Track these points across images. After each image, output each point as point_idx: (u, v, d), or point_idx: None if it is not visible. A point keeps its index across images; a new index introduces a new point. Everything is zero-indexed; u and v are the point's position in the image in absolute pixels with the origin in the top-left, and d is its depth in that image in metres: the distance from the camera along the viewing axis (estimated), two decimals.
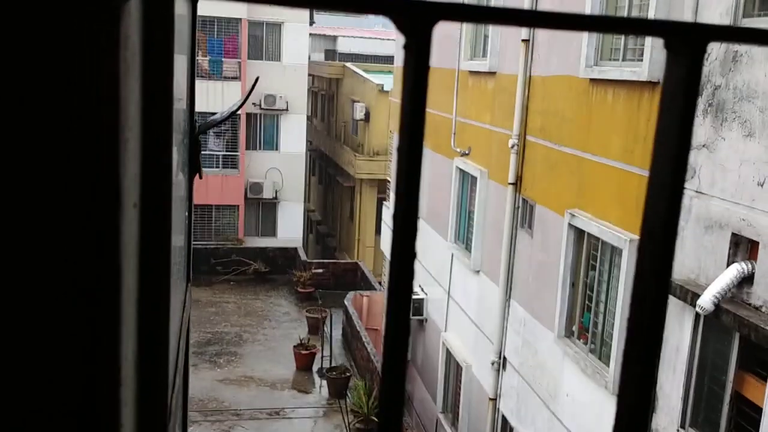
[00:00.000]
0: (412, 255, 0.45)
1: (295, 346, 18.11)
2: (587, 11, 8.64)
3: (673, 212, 0.48)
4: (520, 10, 0.45)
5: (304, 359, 17.90)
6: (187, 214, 1.74)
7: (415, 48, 0.40)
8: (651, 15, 7.44)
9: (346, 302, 19.51)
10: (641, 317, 0.49)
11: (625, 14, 8.21)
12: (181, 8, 1.35)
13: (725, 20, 6.42)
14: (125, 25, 0.51)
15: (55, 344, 0.52)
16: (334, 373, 16.87)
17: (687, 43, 0.45)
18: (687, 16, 6.87)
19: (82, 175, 0.48)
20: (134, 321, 0.68)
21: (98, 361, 0.53)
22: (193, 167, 1.73)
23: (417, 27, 0.39)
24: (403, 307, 0.44)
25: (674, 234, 0.49)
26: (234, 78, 25.63)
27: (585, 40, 8.70)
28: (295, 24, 26.66)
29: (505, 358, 11.08)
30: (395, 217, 0.43)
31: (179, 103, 1.49)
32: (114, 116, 0.47)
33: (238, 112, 25.53)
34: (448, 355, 13.43)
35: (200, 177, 1.81)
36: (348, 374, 16.97)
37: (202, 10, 24.28)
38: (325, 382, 17.08)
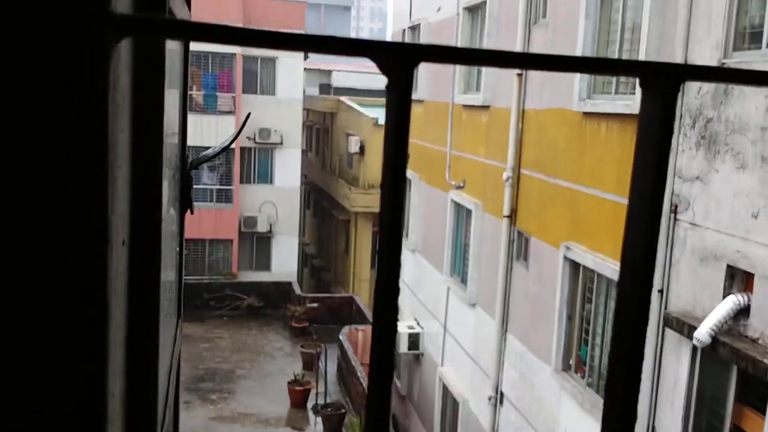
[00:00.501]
0: (396, 290, 0.43)
1: (289, 383, 17.92)
2: (579, 44, 8.75)
3: (650, 246, 0.48)
4: (498, 51, 0.45)
5: (298, 396, 17.70)
6: (178, 249, 1.72)
7: (396, 88, 0.39)
8: (642, 48, 7.53)
9: (341, 337, 19.37)
10: (623, 342, 0.49)
11: (617, 47, 8.31)
12: (173, 43, 1.35)
13: (716, 54, 6.50)
14: (115, 66, 0.50)
15: (40, 381, 0.50)
16: (329, 409, 16.67)
17: (661, 82, 0.46)
18: (678, 50, 6.96)
19: (69, 214, 0.47)
20: (122, 357, 0.66)
21: (84, 398, 0.52)
22: (185, 202, 1.71)
23: (398, 68, 0.39)
24: (388, 341, 0.42)
25: (652, 267, 0.48)
26: (228, 112, 25.77)
27: (578, 74, 8.79)
28: (290, 59, 26.90)
29: (502, 392, 10.97)
30: (379, 254, 0.42)
31: (171, 138, 1.49)
32: (102, 156, 0.46)
33: (232, 146, 25.63)
34: (445, 389, 13.30)
35: (191, 212, 1.80)
36: (343, 411, 16.76)
37: (197, 45, 24.53)
38: (320, 419, 16.86)
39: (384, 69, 0.42)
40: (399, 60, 0.42)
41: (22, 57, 0.43)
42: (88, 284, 0.48)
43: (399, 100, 0.42)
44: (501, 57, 0.46)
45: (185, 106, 1.82)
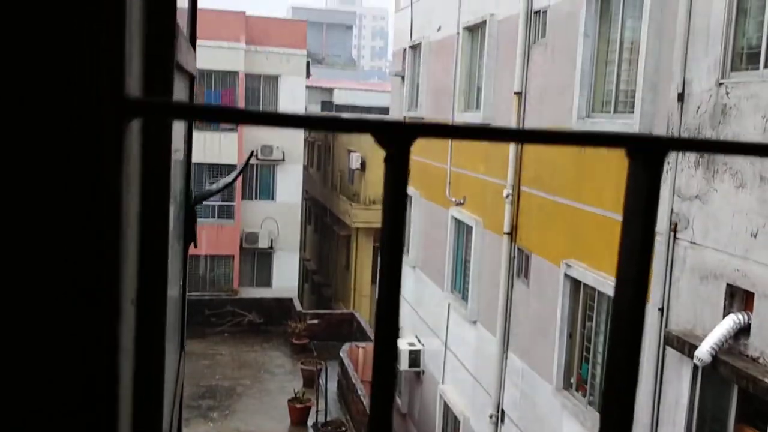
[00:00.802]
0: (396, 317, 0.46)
1: (289, 400, 17.85)
2: (578, 63, 8.81)
3: (639, 310, 0.50)
4: (492, 128, 0.48)
5: (298, 413, 17.62)
6: (181, 283, 1.75)
7: (394, 162, 0.43)
8: (641, 67, 7.58)
9: (341, 354, 19.32)
10: (618, 360, 0.51)
11: (615, 67, 8.37)
12: (178, 90, 1.39)
13: (713, 74, 6.55)
14: (128, 142, 0.53)
15: None
16: (329, 427, 16.59)
17: (647, 154, 0.49)
18: (676, 70, 7.01)
19: (82, 280, 0.49)
20: (129, 408, 0.68)
21: None
22: (189, 237, 1.74)
23: (396, 144, 0.42)
24: (389, 364, 0.45)
25: (639, 340, 0.51)
26: (231, 129, 25.86)
27: (576, 91, 8.85)
28: (292, 77, 27.05)
29: (503, 410, 10.94)
30: (377, 318, 0.45)
31: (177, 174, 1.52)
32: (115, 226, 0.49)
33: (234, 162, 25.70)
34: (446, 407, 13.25)
35: (195, 246, 1.83)
36: (344, 429, 16.69)
37: (200, 63, 24.66)
38: None
39: (383, 144, 0.45)
40: (396, 137, 0.45)
41: (46, 137, 0.46)
42: (98, 349, 0.50)
43: (396, 174, 0.45)
44: (495, 132, 0.49)
45: (191, 139, 1.86)
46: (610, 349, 0.56)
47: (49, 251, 0.48)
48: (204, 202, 26.26)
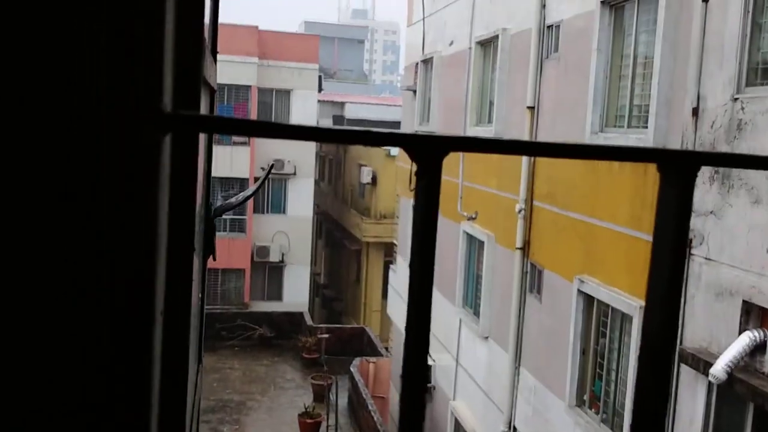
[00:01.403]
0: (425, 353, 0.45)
1: (299, 415, 17.79)
2: (591, 79, 8.79)
3: (671, 326, 0.49)
4: (520, 141, 0.47)
5: (309, 428, 17.55)
6: (200, 295, 1.74)
7: (426, 175, 0.42)
8: (655, 82, 7.56)
9: (352, 369, 19.25)
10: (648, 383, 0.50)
11: (629, 82, 8.34)
12: (204, 103, 1.39)
13: (728, 89, 6.51)
14: (164, 155, 0.54)
15: None
16: None
17: (679, 168, 0.48)
18: (690, 85, 6.98)
19: (120, 287, 0.50)
20: (157, 417, 0.68)
21: None
22: (208, 250, 1.74)
23: (428, 158, 0.42)
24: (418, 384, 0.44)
25: (672, 356, 0.50)
26: (243, 144, 25.99)
27: (590, 106, 8.83)
28: (304, 91, 27.18)
29: (515, 427, 10.84)
30: (406, 340, 0.44)
31: (197, 191, 1.52)
32: (152, 236, 0.49)
33: (246, 176, 25.80)
34: (457, 424, 13.16)
35: (214, 259, 1.82)
36: None
37: None
38: None
39: (414, 158, 0.44)
40: (429, 151, 0.44)
41: (87, 150, 0.47)
42: (133, 358, 0.50)
43: (428, 186, 0.44)
44: (525, 146, 0.48)
45: (210, 153, 1.86)
46: (639, 373, 0.54)
47: (87, 263, 0.48)
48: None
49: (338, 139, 0.41)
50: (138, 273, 0.50)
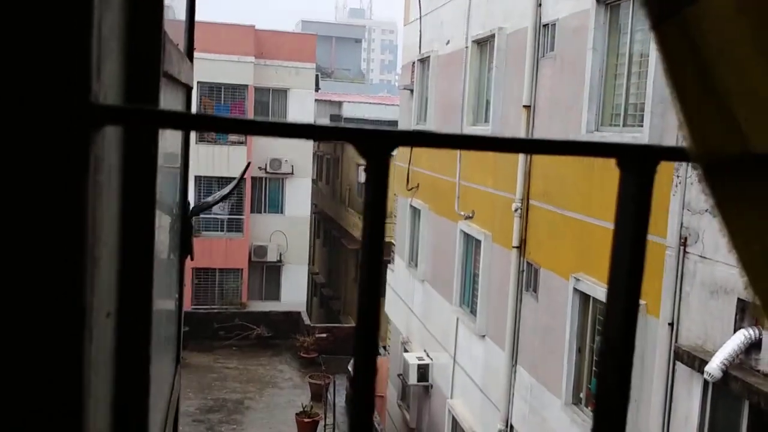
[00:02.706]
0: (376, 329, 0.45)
1: (297, 414, 17.80)
2: (587, 77, 8.80)
3: (631, 318, 0.49)
4: (470, 136, 0.47)
5: (306, 427, 17.56)
6: (177, 296, 1.74)
7: (374, 169, 0.42)
8: (650, 81, 7.56)
9: (349, 368, 19.25)
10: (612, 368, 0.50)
11: (624, 80, 8.35)
12: (174, 100, 1.38)
13: None
14: (98, 149, 0.52)
15: None
16: None
17: (638, 163, 0.48)
18: None
19: (45, 289, 0.48)
20: (107, 427, 0.67)
21: None
22: (185, 249, 1.74)
23: (375, 153, 0.41)
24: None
25: (631, 352, 0.50)
26: (240, 143, 25.97)
27: (585, 105, 8.84)
28: (301, 90, 27.17)
29: (512, 425, 10.85)
30: (357, 328, 0.44)
31: (173, 185, 1.51)
32: (81, 238, 0.48)
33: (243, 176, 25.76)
34: (454, 422, 13.17)
35: (191, 258, 1.82)
36: None
37: (210, 77, 24.85)
38: None
39: (363, 152, 0.44)
40: (377, 146, 0.44)
41: (5, 143, 0.45)
42: (63, 362, 0.49)
43: (377, 180, 0.44)
44: (477, 141, 0.48)
45: (188, 150, 1.86)
46: (600, 361, 0.54)
47: (8, 262, 0.47)
48: (213, 216, 26.38)
49: (278, 132, 0.41)
50: (63, 273, 0.49)
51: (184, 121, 0.41)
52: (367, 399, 0.43)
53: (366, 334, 0.42)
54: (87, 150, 0.47)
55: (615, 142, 0.52)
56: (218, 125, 0.41)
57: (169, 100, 1.21)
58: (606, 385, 0.52)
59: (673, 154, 0.52)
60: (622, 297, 0.51)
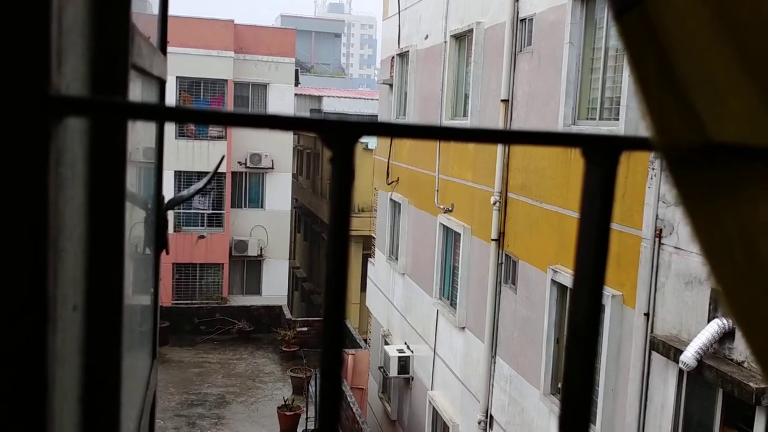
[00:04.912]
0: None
1: (279, 408, 17.79)
2: (563, 71, 8.87)
3: (595, 305, 0.51)
4: (434, 126, 0.49)
5: (288, 421, 17.56)
6: (153, 290, 1.75)
7: (339, 159, 0.44)
8: (625, 74, 7.64)
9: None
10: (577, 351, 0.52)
11: (601, 74, 8.43)
12: (148, 95, 1.39)
13: None
14: (60, 140, 0.53)
15: None
16: None
17: (602, 152, 0.49)
18: None
19: (5, 284, 0.49)
20: (74, 424, 0.68)
21: None
22: (160, 243, 1.75)
23: (340, 142, 0.43)
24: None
25: (596, 336, 0.52)
26: (219, 137, 25.83)
27: (562, 99, 8.91)
28: (281, 84, 27.06)
29: (491, 416, 10.95)
30: (324, 318, 0.46)
31: (147, 178, 1.52)
32: (42, 231, 0.48)
33: (224, 171, 25.65)
34: (435, 413, 13.25)
35: (167, 253, 1.83)
36: None
37: (189, 71, 24.66)
38: None
39: (327, 143, 0.46)
40: (341, 136, 0.46)
41: None
42: (25, 353, 0.50)
43: (342, 170, 0.46)
44: (441, 132, 0.50)
45: (162, 143, 1.87)
46: (567, 347, 0.55)
47: None
48: (193, 211, 26.23)
49: (243, 123, 0.43)
50: (24, 265, 0.49)
51: (144, 112, 0.42)
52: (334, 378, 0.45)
53: (334, 328, 0.44)
54: (47, 142, 0.47)
55: (580, 132, 0.54)
56: (183, 116, 0.43)
57: (139, 94, 1.22)
58: (571, 369, 0.53)
59: (637, 144, 0.54)
60: (588, 281, 0.53)
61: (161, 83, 1.70)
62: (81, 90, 0.61)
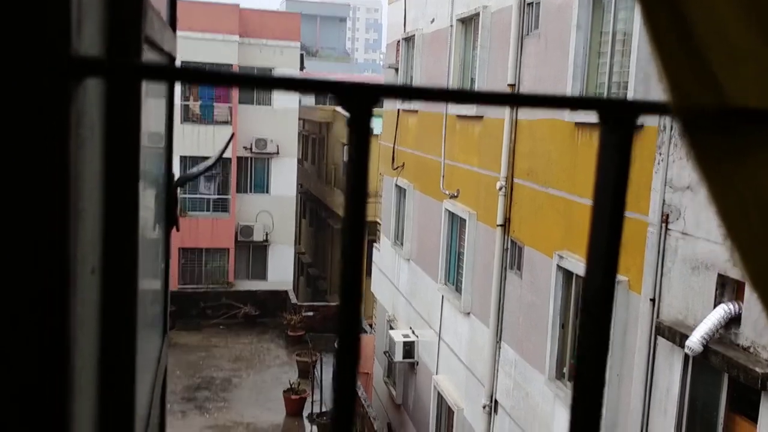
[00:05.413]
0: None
1: (285, 391, 17.90)
2: (570, 55, 8.81)
3: (611, 271, 0.51)
4: (454, 90, 0.48)
5: (294, 404, 17.67)
6: (164, 265, 1.76)
7: (357, 123, 0.43)
8: (633, 58, 7.59)
9: (336, 345, 19.34)
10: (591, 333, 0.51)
11: (608, 58, 8.37)
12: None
13: None
14: (80, 103, 0.53)
15: None
16: (324, 418, 16.65)
17: (619, 118, 0.48)
18: None
19: (26, 250, 0.49)
20: (93, 386, 0.68)
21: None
22: (170, 220, 1.75)
23: (358, 105, 0.43)
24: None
25: (609, 312, 0.51)
26: (225, 122, 25.82)
27: (570, 84, 8.86)
28: (286, 69, 26.98)
29: (496, 400, 10.99)
30: (342, 275, 0.46)
31: (156, 156, 1.52)
32: (64, 190, 0.49)
33: (229, 156, 25.65)
34: (440, 398, 13.30)
35: (177, 230, 1.84)
36: None
37: (194, 56, 24.60)
38: (315, 428, 16.83)
39: (345, 106, 0.45)
40: (359, 98, 0.45)
41: None
42: (47, 313, 0.50)
43: (360, 134, 0.45)
44: (457, 95, 0.49)
45: (171, 122, 1.87)
46: (580, 337, 0.54)
47: None
48: (199, 196, 26.26)
49: (259, 85, 0.43)
50: (47, 223, 0.49)
51: (162, 73, 0.42)
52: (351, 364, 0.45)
53: (351, 283, 0.44)
54: (69, 101, 0.48)
55: (596, 97, 0.53)
56: (199, 77, 0.42)
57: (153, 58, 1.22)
58: (585, 343, 0.52)
59: (654, 108, 0.54)
60: (604, 247, 0.52)
61: (171, 59, 1.70)
62: (95, 40, 0.60)
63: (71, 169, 0.49)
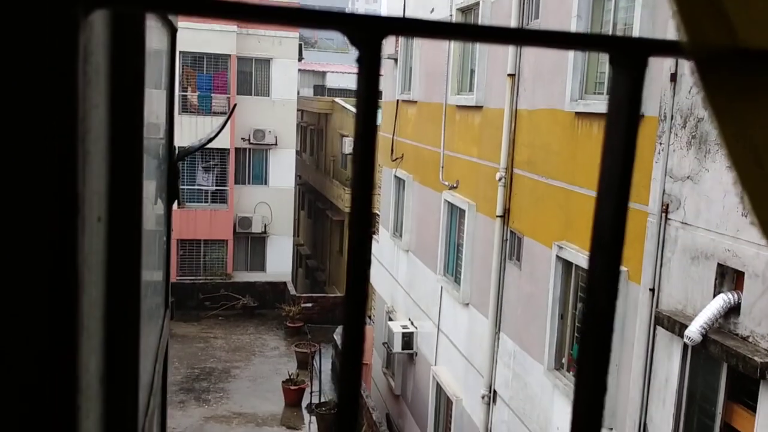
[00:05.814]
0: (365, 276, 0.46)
1: (284, 382, 17.93)
2: (570, 51, 8.77)
3: (619, 223, 0.49)
4: (463, 24, 0.47)
5: (293, 395, 17.70)
6: (165, 239, 1.74)
7: (366, 59, 0.42)
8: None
9: (335, 337, 19.40)
10: (594, 320, 0.50)
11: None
12: (159, 42, 1.37)
13: None
14: (86, 39, 0.52)
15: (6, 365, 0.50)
16: (323, 408, 16.68)
17: (630, 57, 0.47)
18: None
19: (34, 186, 0.48)
20: (98, 341, 0.67)
21: (53, 386, 0.51)
22: (172, 193, 1.74)
23: (367, 39, 0.41)
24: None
25: (620, 246, 0.50)
26: (223, 113, 25.75)
27: (570, 74, 8.83)
28: (284, 60, 26.91)
29: (495, 391, 11.01)
30: (351, 224, 0.44)
31: (158, 130, 1.51)
32: (72, 127, 0.48)
33: (227, 147, 25.60)
34: (438, 389, 13.33)
35: (179, 205, 1.83)
36: None
37: (192, 46, 24.53)
38: (314, 418, 16.87)
39: (354, 41, 0.43)
40: (368, 32, 0.43)
41: None
42: (57, 258, 0.49)
43: (368, 71, 0.44)
44: (466, 30, 0.47)
45: (172, 97, 1.85)
46: (583, 323, 0.52)
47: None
48: (197, 187, 26.22)
49: (263, 18, 0.41)
50: (58, 166, 0.48)
51: (165, 3, 0.41)
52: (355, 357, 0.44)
53: (360, 224, 0.42)
54: (76, 32, 0.47)
55: (607, 35, 0.52)
56: (203, 8, 0.41)
57: (156, 39, 1.21)
58: (590, 318, 0.50)
59: (666, 47, 0.52)
60: (613, 191, 0.51)
61: (173, 31, 1.68)
62: (102, 18, 0.59)
63: (79, 104, 0.48)
